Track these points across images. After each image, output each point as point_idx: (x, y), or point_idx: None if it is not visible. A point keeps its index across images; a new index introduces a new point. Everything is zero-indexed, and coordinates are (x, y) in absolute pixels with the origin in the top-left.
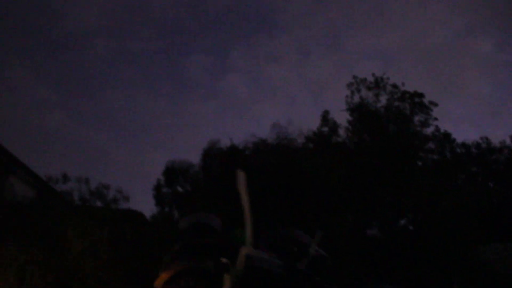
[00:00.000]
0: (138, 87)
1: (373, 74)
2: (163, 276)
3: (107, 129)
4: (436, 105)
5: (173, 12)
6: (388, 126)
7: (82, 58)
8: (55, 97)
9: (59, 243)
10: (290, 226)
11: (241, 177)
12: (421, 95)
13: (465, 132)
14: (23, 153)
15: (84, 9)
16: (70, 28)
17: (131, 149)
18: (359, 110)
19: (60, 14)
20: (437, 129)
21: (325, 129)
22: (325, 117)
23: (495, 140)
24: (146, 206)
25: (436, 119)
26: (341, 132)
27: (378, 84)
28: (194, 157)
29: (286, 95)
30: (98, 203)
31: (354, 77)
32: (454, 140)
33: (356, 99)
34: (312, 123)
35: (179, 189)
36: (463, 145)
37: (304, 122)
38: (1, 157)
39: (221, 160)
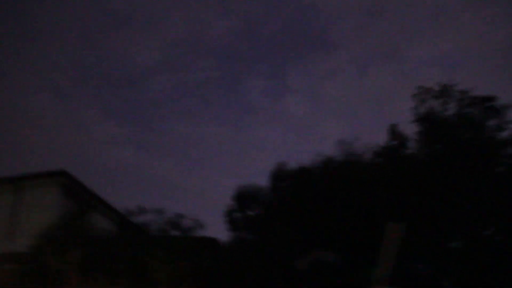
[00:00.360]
0: (201, 116)
1: (438, 83)
2: None
3: (174, 159)
4: (509, 107)
5: (228, 40)
6: (460, 134)
7: (146, 93)
8: (125, 132)
9: (143, 273)
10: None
11: (392, 229)
12: (492, 99)
13: None
14: (101, 189)
15: (144, 46)
16: (132, 66)
17: (199, 177)
18: (428, 120)
19: (122, 54)
20: None
21: (394, 142)
22: (393, 130)
23: None
24: (219, 232)
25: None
26: (411, 144)
27: (444, 91)
28: (262, 181)
29: (348, 111)
30: (175, 233)
31: (419, 87)
32: None
33: (423, 109)
34: (377, 136)
35: (251, 213)
36: None
37: (368, 136)
38: (84, 195)
39: (290, 181)
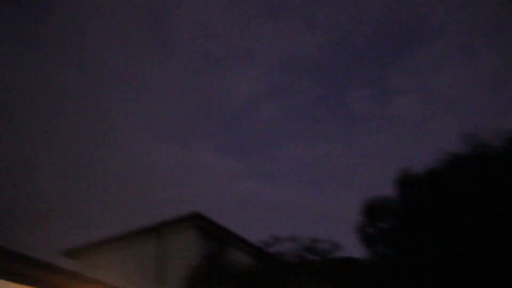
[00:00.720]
0: (313, 136)
1: None
2: None
3: (294, 184)
4: None
5: (321, 55)
6: None
7: (255, 123)
8: (243, 165)
9: None
10: None
11: None
12: None
13: None
14: (232, 224)
15: (244, 79)
16: (236, 100)
17: (322, 197)
18: None
19: (225, 91)
20: None
21: None
22: None
23: None
24: (353, 250)
25: None
26: None
27: None
28: (387, 190)
29: (462, 101)
30: (312, 257)
31: None
32: None
33: None
34: (499, 122)
35: (383, 225)
36: None
37: (489, 123)
38: (219, 233)
39: (419, 186)
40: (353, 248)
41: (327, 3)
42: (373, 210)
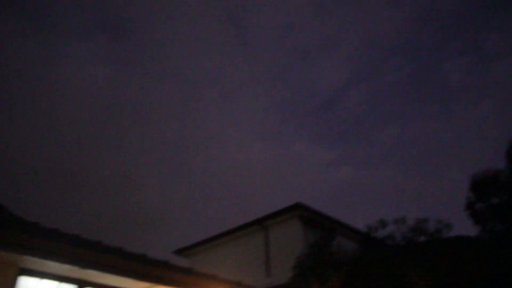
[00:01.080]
0: (406, 116)
1: None
2: None
3: (392, 165)
4: None
5: (410, 30)
6: None
7: (345, 110)
8: (338, 153)
9: (402, 286)
10: None
11: None
12: None
13: None
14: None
15: (328, 69)
16: (324, 89)
17: (423, 177)
18: None
19: (310, 82)
20: None
21: None
22: None
23: None
24: (463, 228)
25: None
26: None
27: None
28: (496, 164)
29: None
30: (421, 239)
31: None
32: None
33: None
34: None
35: (495, 200)
36: None
37: None
38: (324, 221)
39: None
40: (463, 226)
41: None
42: (483, 185)
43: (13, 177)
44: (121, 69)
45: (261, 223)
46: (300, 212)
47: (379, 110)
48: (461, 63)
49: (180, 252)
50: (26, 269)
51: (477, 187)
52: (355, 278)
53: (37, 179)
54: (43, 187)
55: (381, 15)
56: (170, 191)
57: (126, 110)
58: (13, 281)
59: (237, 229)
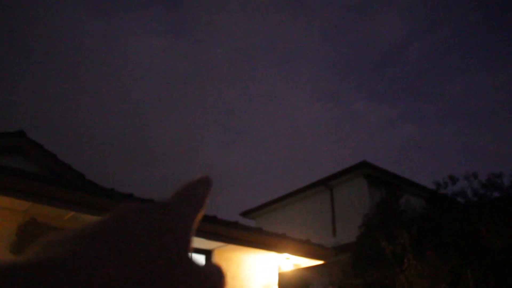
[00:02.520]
0: (471, 68)
1: None
2: None
3: (455, 121)
4: None
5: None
6: None
7: (406, 66)
8: (400, 110)
9: (475, 242)
10: None
11: None
12: None
13: None
14: (402, 169)
15: (388, 22)
16: (384, 45)
17: (487, 132)
18: None
19: (371, 37)
20: None
21: None
22: None
23: None
24: None
25: None
26: None
27: None
28: None
29: None
30: (493, 195)
31: None
32: None
33: None
34: None
35: None
36: None
37: None
38: (389, 179)
39: None
40: None
41: None
42: None
43: (88, 148)
44: (176, 40)
45: (326, 183)
46: (365, 171)
47: (441, 63)
48: None
49: (247, 213)
50: None
51: None
52: (424, 236)
53: (108, 150)
54: (115, 157)
55: None
56: (234, 154)
57: (184, 79)
58: None
59: (302, 190)
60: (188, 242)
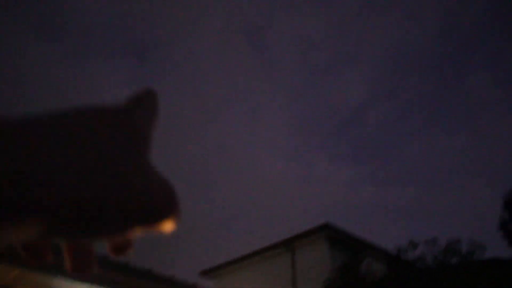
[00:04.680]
0: (429, 132)
1: None
2: None
3: (414, 184)
4: None
5: (424, 48)
6: None
7: (365, 128)
8: (358, 172)
9: None
10: None
11: None
12: None
13: None
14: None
15: (349, 86)
16: (345, 108)
17: (447, 194)
18: None
19: (333, 99)
20: None
21: None
22: None
23: None
24: (497, 249)
25: None
26: None
27: None
28: None
29: None
30: (452, 261)
31: None
32: None
33: None
34: None
35: None
36: None
37: None
38: (352, 242)
39: None
40: (497, 247)
41: None
42: None
43: None
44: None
45: (288, 245)
46: (327, 233)
47: (402, 127)
48: (485, 76)
49: (206, 273)
50: None
51: (511, 206)
52: None
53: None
54: None
55: (403, 31)
56: (193, 208)
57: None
58: None
59: (263, 250)
60: (147, 145)
